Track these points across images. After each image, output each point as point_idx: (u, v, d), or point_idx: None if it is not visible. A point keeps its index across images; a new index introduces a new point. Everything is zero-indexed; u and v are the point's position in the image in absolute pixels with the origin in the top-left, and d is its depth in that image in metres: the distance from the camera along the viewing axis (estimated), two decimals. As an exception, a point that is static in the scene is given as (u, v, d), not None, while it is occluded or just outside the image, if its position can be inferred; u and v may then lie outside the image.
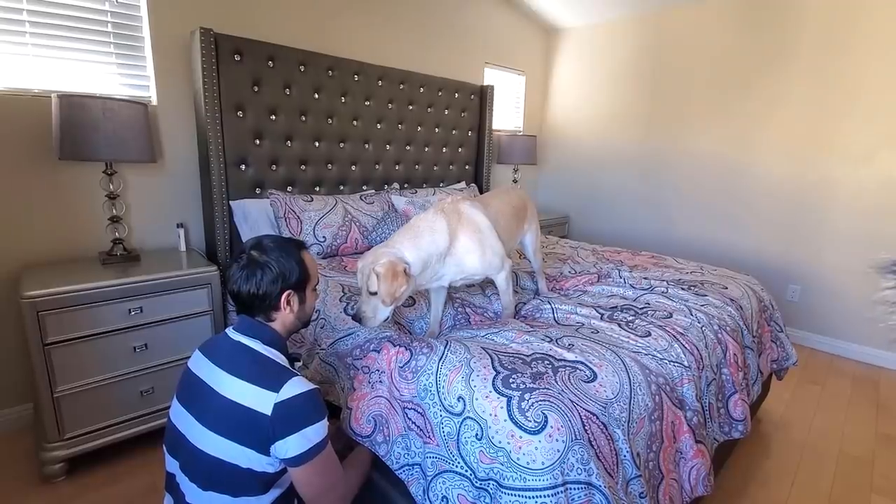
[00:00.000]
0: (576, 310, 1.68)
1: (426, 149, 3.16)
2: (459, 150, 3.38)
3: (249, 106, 2.27)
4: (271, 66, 2.31)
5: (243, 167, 2.31)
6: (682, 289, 1.93)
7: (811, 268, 3.05)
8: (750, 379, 1.75)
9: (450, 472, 1.09)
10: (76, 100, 1.72)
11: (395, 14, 2.98)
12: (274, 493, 1.01)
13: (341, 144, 2.69)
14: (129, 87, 2.10)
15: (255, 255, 1.06)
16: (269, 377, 0.98)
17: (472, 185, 3.45)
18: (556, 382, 1.14)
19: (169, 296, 1.83)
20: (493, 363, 1.20)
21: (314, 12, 2.59)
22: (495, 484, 1.01)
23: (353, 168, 2.78)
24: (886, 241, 2.75)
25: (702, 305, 1.76)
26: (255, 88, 2.28)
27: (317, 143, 2.58)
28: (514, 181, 4.00)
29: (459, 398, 1.13)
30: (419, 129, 3.08)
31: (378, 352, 1.36)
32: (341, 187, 2.75)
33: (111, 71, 2.05)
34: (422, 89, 3.04)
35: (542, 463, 0.98)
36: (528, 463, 0.99)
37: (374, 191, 2.77)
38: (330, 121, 2.61)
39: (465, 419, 1.10)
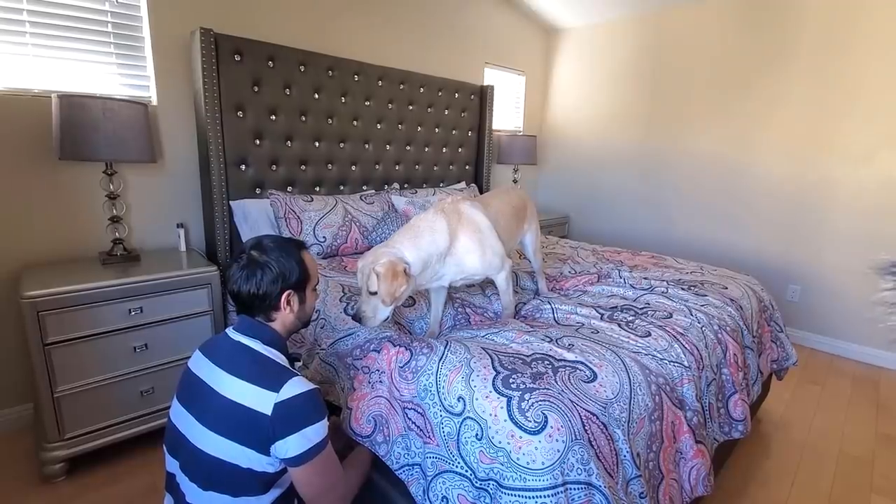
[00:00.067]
0: (576, 310, 1.68)
1: (426, 149, 3.16)
2: (459, 150, 3.38)
3: (249, 106, 2.27)
4: (271, 66, 2.31)
5: (243, 167, 2.31)
6: (682, 289, 1.93)
7: (811, 268, 3.05)
8: (750, 379, 1.75)
9: (450, 472, 1.09)
10: (76, 100, 1.72)
11: (396, 14, 2.98)
12: (274, 493, 1.01)
13: (341, 144, 2.69)
14: (129, 87, 2.11)
15: (255, 255, 1.06)
16: (270, 377, 0.98)
17: (472, 185, 3.45)
18: (556, 382, 1.14)
19: (169, 296, 1.83)
20: (493, 363, 1.20)
21: (314, 12, 2.59)
22: (495, 484, 1.01)
23: (354, 168, 2.78)
24: (886, 241, 2.75)
25: (702, 305, 1.76)
26: (256, 88, 2.28)
27: (317, 144, 2.58)
28: (514, 181, 4.00)
29: (459, 398, 1.14)
30: (419, 129, 3.08)
31: (378, 352, 1.36)
32: (341, 187, 2.75)
33: (111, 71, 2.05)
34: (422, 89, 3.04)
35: (542, 463, 0.98)
36: (528, 463, 0.99)
37: (374, 191, 2.77)
38: (330, 121, 2.61)
39: (465, 419, 1.10)
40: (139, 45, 2.09)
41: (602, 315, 1.63)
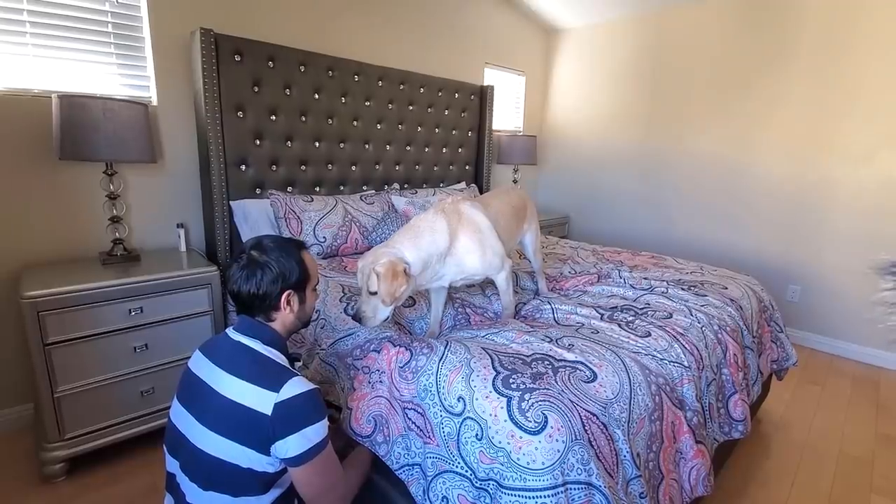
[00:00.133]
0: (576, 310, 1.68)
1: (426, 149, 3.16)
2: (459, 150, 3.38)
3: (249, 106, 2.27)
4: (271, 66, 2.31)
5: (243, 167, 2.31)
6: (682, 289, 1.93)
7: (811, 268, 3.05)
8: (750, 379, 1.75)
9: (450, 472, 1.09)
10: (76, 100, 1.72)
11: (395, 14, 2.98)
12: (274, 493, 1.01)
13: (341, 145, 2.69)
14: (130, 88, 2.11)
15: (255, 255, 1.06)
16: (270, 377, 0.98)
17: (473, 185, 3.45)
18: (556, 383, 1.14)
19: (169, 296, 1.83)
20: (493, 363, 1.20)
21: (314, 12, 2.59)
22: (495, 484, 1.01)
23: (354, 168, 2.78)
24: (886, 241, 2.75)
25: (702, 306, 1.76)
26: (256, 89, 2.28)
27: (317, 144, 2.58)
28: (514, 181, 4.00)
29: (459, 398, 1.14)
30: (419, 129, 3.08)
31: (378, 352, 1.36)
32: (341, 187, 2.75)
33: (111, 71, 2.05)
34: (422, 90, 3.04)
35: (543, 463, 0.98)
36: (528, 463, 0.99)
37: (374, 191, 2.77)
38: (330, 121, 2.61)
39: (465, 419, 1.10)
40: (139, 45, 2.09)
41: (602, 315, 1.63)
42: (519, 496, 0.98)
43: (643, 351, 1.39)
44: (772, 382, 2.31)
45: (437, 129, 3.19)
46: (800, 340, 3.12)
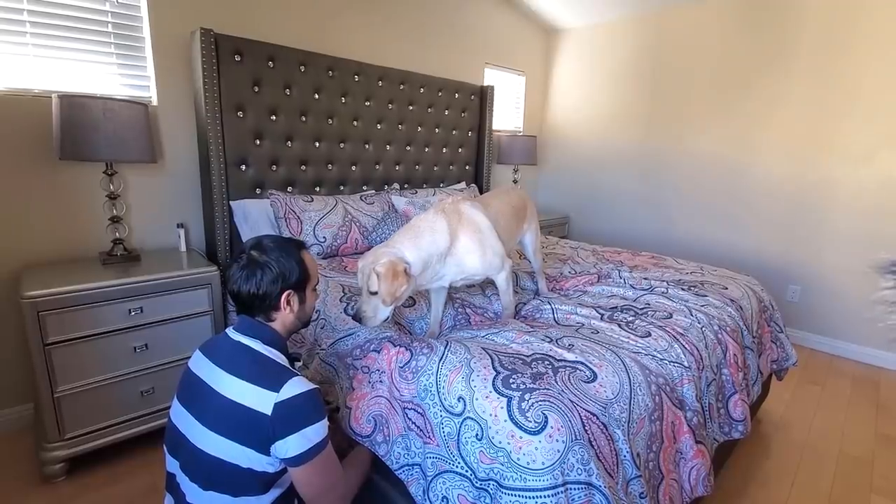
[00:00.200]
0: (576, 310, 1.68)
1: (426, 149, 3.16)
2: (459, 150, 3.38)
3: (250, 106, 2.27)
4: (271, 66, 2.31)
5: (243, 167, 2.31)
6: (683, 289, 1.93)
7: (811, 268, 3.05)
8: (750, 379, 1.75)
9: (450, 472, 1.09)
10: (76, 100, 1.72)
11: (395, 14, 2.98)
12: (274, 493, 1.01)
13: (341, 145, 2.69)
14: (130, 88, 2.11)
15: (255, 255, 1.06)
16: (270, 377, 0.98)
17: (473, 185, 3.45)
18: (556, 383, 1.14)
19: (169, 296, 1.83)
20: (493, 363, 1.20)
21: (314, 12, 2.60)
22: (495, 484, 1.01)
23: (354, 168, 2.78)
24: (886, 241, 2.75)
25: (702, 306, 1.76)
26: (256, 89, 2.28)
27: (317, 144, 2.58)
28: (515, 181, 4.00)
29: (460, 398, 1.14)
30: (419, 129, 3.08)
31: (378, 352, 1.36)
32: (341, 187, 2.75)
33: (111, 71, 2.05)
34: (422, 90, 3.04)
35: (543, 463, 0.98)
36: (528, 463, 0.99)
37: (374, 191, 2.77)
38: (330, 121, 2.61)
39: (465, 419, 1.10)
40: (139, 45, 2.09)
41: (602, 315, 1.63)
42: (519, 496, 0.98)
43: (643, 351, 1.39)
44: (772, 382, 2.31)
45: (437, 129, 3.19)
46: (800, 340, 3.12)
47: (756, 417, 2.23)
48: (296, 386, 0.97)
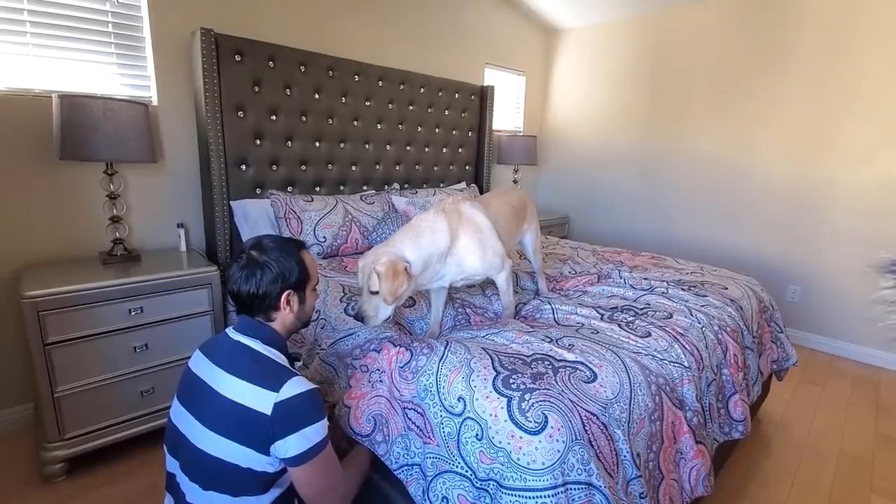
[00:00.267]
0: (576, 310, 1.68)
1: (426, 149, 3.16)
2: (460, 150, 3.38)
3: (250, 106, 2.27)
4: (272, 66, 2.31)
5: (244, 167, 2.31)
6: (683, 289, 1.93)
7: (811, 268, 3.05)
8: (750, 379, 1.75)
9: (450, 472, 1.09)
10: (77, 100, 1.72)
11: (395, 14, 2.98)
12: (274, 492, 1.01)
13: (342, 145, 2.69)
14: (130, 88, 2.11)
15: (255, 255, 1.06)
16: (269, 377, 0.98)
17: (473, 185, 3.45)
18: (557, 383, 1.14)
19: (169, 296, 1.83)
20: (493, 363, 1.20)
21: (314, 12, 2.60)
22: (495, 484, 1.01)
23: (354, 168, 2.78)
24: (886, 241, 2.75)
25: (702, 306, 1.76)
26: (256, 88, 2.28)
27: (317, 144, 2.58)
28: (515, 181, 4.00)
29: (460, 398, 1.14)
30: (419, 129, 3.08)
31: (378, 352, 1.36)
32: (342, 187, 2.75)
33: (112, 71, 2.05)
34: (422, 90, 3.04)
35: (543, 463, 0.98)
36: (528, 463, 0.99)
37: (374, 191, 2.77)
38: (330, 121, 2.61)
39: (465, 419, 1.10)
40: (139, 45, 2.09)
41: (602, 315, 1.63)
42: (519, 496, 0.98)
43: (643, 351, 1.39)
44: (772, 382, 2.31)
45: (437, 129, 3.19)
46: (800, 340, 3.12)
47: (756, 417, 2.23)
48: (296, 386, 0.97)
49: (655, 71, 3.58)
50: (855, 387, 2.62)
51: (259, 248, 1.08)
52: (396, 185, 3.00)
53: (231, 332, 1.07)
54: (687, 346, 1.46)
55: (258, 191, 2.38)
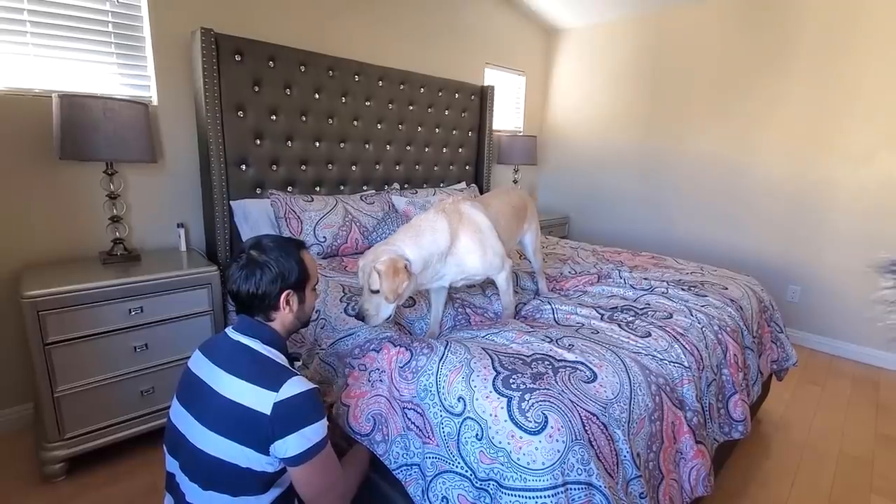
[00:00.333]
0: (576, 310, 1.68)
1: (426, 149, 3.16)
2: (460, 150, 3.38)
3: (250, 106, 2.27)
4: (272, 66, 2.31)
5: (244, 167, 2.31)
6: (683, 289, 1.93)
7: (811, 268, 3.05)
8: (750, 379, 1.75)
9: (450, 472, 1.09)
10: (77, 100, 1.72)
11: (395, 14, 2.98)
12: (274, 492, 1.01)
13: (342, 144, 2.69)
14: (130, 87, 2.11)
15: (255, 255, 1.06)
16: (269, 377, 0.98)
17: (473, 185, 3.45)
18: (557, 383, 1.14)
19: (169, 296, 1.83)
20: (493, 363, 1.20)
21: (314, 12, 2.60)
22: (495, 484, 1.01)
23: (354, 168, 2.78)
24: (886, 241, 2.75)
25: (702, 306, 1.76)
26: (256, 88, 2.28)
27: (317, 144, 2.58)
28: (515, 181, 4.00)
29: (459, 398, 1.14)
30: (419, 129, 3.08)
31: (378, 351, 1.36)
32: (342, 187, 2.75)
33: (112, 71, 2.05)
34: (422, 90, 3.04)
35: (543, 463, 0.98)
36: (528, 463, 0.99)
37: (374, 191, 2.77)
38: (330, 121, 2.61)
39: (465, 419, 1.10)
40: (140, 45, 2.09)
41: (602, 315, 1.63)
42: (519, 496, 0.98)
43: (643, 351, 1.39)
44: (772, 382, 2.31)
45: (437, 129, 3.19)
46: (800, 340, 3.12)
47: (756, 417, 2.23)
48: (295, 386, 0.97)
49: (655, 71, 3.58)
50: (855, 387, 2.62)
51: (259, 247, 1.08)
52: (396, 185, 3.00)
53: (231, 332, 1.07)
54: (687, 346, 1.46)
55: (258, 191, 2.38)
